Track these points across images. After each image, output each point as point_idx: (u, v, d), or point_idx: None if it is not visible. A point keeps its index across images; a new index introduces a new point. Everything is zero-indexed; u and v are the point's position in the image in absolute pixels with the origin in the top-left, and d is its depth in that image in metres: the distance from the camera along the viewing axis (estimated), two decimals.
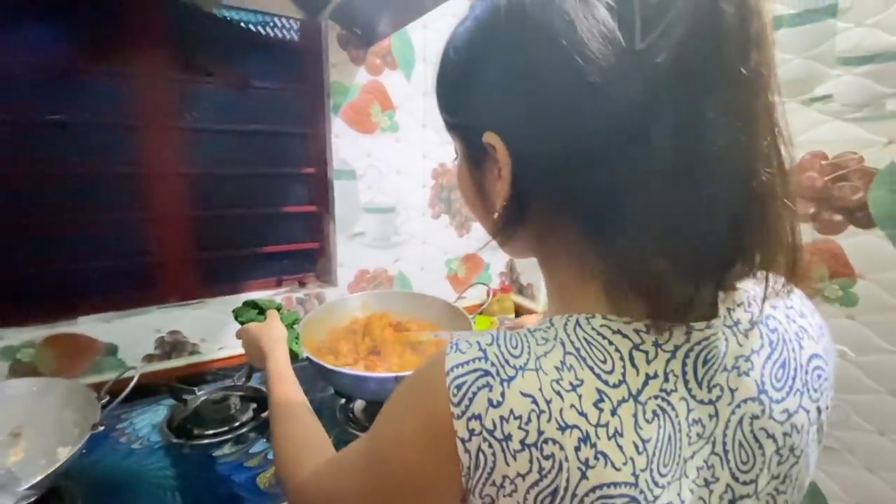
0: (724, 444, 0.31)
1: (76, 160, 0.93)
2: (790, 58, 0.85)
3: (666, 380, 0.29)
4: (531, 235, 0.36)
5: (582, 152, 0.30)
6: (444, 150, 1.32)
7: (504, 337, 0.31)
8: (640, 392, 0.28)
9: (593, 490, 0.27)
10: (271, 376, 0.64)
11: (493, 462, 0.28)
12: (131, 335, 0.99)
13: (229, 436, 0.85)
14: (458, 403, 0.28)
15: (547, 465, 0.27)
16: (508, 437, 0.27)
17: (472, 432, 0.28)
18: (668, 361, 0.29)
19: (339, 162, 1.17)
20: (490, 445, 0.28)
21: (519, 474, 0.27)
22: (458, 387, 0.29)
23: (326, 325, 1.02)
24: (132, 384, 0.79)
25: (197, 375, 1.03)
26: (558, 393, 0.27)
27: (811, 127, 0.83)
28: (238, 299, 1.09)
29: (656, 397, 0.29)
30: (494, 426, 0.28)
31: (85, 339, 0.95)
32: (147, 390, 0.93)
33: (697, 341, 0.30)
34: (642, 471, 0.27)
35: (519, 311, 1.49)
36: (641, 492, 0.27)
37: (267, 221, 1.17)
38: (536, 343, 0.30)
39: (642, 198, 0.28)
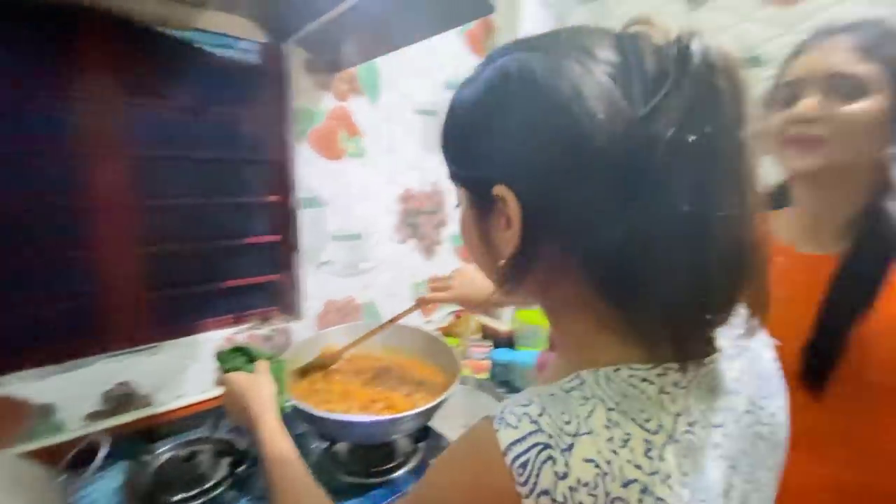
0: (736, 456, 0.34)
1: (10, 193, 0.80)
2: None
3: (689, 414, 0.32)
4: (537, 285, 0.38)
5: (588, 210, 0.31)
6: (410, 175, 1.32)
7: (549, 402, 0.31)
8: (674, 431, 0.30)
9: None
10: (265, 443, 0.59)
11: None
12: (71, 392, 0.87)
13: (203, 498, 0.77)
14: (525, 483, 0.28)
15: None
16: None
17: None
18: (685, 397, 0.32)
19: (305, 189, 1.12)
20: None
21: None
22: (523, 465, 0.28)
23: (298, 364, 0.96)
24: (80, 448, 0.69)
25: (153, 430, 0.92)
26: (614, 451, 0.29)
27: None
28: (195, 341, 1.01)
29: (686, 432, 0.31)
30: (565, 498, 0.28)
31: (11, 402, 0.82)
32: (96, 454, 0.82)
33: (706, 374, 0.33)
34: (688, 502, 0.29)
35: (485, 331, 1.50)
36: None
37: (226, 254, 1.08)
38: (579, 404, 0.30)
39: (650, 256, 0.30)
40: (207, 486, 0.79)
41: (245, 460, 0.84)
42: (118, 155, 0.90)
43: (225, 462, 0.84)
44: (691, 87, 0.29)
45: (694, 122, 0.28)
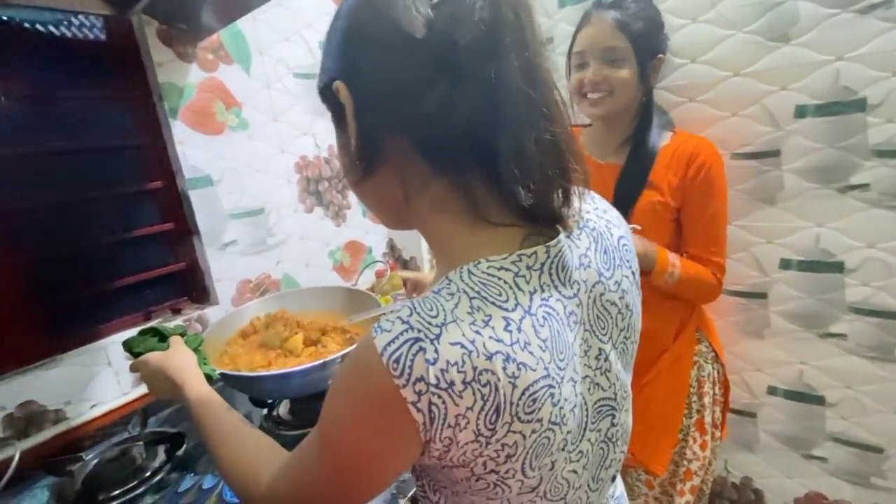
0: (590, 321, 0.41)
1: None
2: (820, 146, 0.92)
3: (542, 290, 0.37)
4: (395, 184, 0.42)
5: (408, 89, 0.36)
6: (302, 142, 1.30)
7: (419, 304, 0.34)
8: (530, 307, 0.36)
9: (523, 393, 0.34)
10: (194, 403, 0.58)
11: (445, 409, 0.32)
12: None
13: (144, 487, 0.75)
14: (401, 375, 0.32)
15: (486, 391, 0.32)
16: (452, 384, 0.32)
17: (419, 393, 0.32)
18: (539, 277, 0.38)
19: (190, 170, 1.07)
20: (439, 397, 0.32)
21: (468, 408, 0.32)
22: (396, 360, 0.32)
23: (221, 341, 0.95)
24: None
25: (74, 443, 0.87)
26: (477, 332, 0.33)
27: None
28: (102, 346, 0.95)
29: (541, 306, 0.37)
30: (438, 380, 0.32)
31: None
32: (9, 480, 0.76)
33: (555, 255, 0.39)
34: (549, 363, 0.35)
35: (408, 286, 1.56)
36: (552, 377, 0.35)
37: (118, 251, 1.02)
38: (445, 300, 0.34)
39: (466, 132, 0.35)
40: (146, 475, 0.77)
41: (183, 442, 0.83)
42: None
43: (161, 449, 0.83)
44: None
45: (474, 29, 0.34)
